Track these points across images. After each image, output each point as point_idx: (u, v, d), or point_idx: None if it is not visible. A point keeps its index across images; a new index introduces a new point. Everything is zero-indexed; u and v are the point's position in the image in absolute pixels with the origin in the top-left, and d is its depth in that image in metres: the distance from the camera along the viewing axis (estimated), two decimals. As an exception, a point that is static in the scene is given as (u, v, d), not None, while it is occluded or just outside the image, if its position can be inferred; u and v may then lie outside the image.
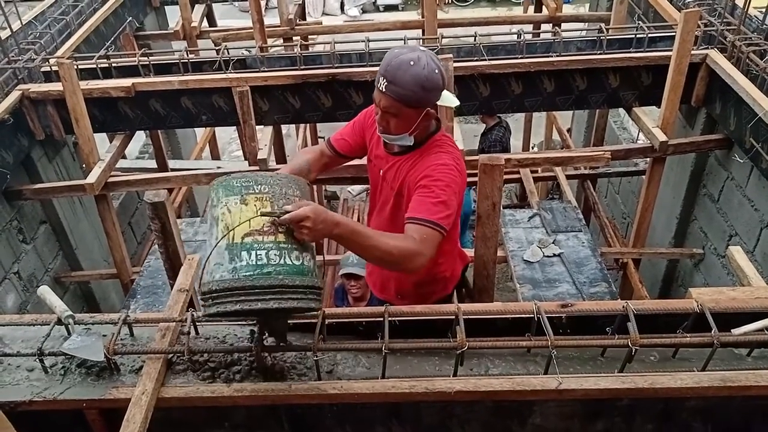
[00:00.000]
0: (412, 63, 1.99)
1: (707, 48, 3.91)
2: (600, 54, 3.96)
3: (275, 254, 1.67)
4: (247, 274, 1.63)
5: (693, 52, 3.72)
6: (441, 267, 2.54)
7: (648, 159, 4.13)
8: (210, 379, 1.91)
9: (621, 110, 5.87)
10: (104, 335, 2.00)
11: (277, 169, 3.72)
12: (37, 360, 1.90)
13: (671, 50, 3.70)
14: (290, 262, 1.68)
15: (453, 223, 2.21)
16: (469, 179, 5.15)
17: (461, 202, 2.27)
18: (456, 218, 2.28)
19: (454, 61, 3.56)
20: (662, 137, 3.79)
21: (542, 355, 1.91)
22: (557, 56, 3.96)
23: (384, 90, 2.03)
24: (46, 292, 2.10)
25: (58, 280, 4.35)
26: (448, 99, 2.22)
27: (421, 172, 2.18)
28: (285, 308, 1.66)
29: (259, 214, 1.67)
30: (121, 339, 2.01)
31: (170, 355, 1.95)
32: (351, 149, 2.52)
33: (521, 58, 3.96)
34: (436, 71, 2.04)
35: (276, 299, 1.63)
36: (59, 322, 1.99)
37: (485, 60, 3.94)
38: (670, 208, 4.57)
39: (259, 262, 1.64)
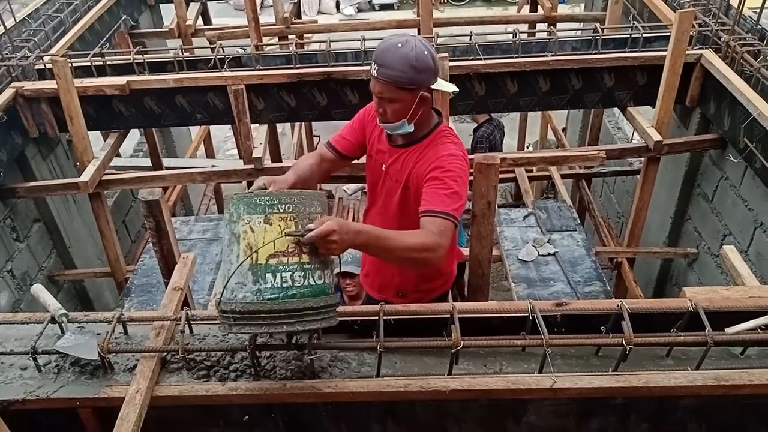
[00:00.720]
0: (400, 45, 2.05)
1: (702, 48, 3.92)
2: (595, 54, 3.97)
3: (299, 275, 1.68)
4: (273, 297, 1.64)
5: (688, 52, 3.74)
6: (444, 263, 2.55)
7: (642, 158, 4.14)
8: (205, 378, 1.90)
9: (616, 110, 5.88)
10: (98, 334, 2.00)
11: (274, 169, 3.71)
12: (31, 358, 1.89)
13: (666, 50, 3.71)
14: (314, 283, 1.70)
15: None
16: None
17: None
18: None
19: (450, 61, 3.56)
20: (657, 137, 3.80)
21: (537, 354, 1.91)
22: (552, 56, 3.97)
23: (376, 75, 2.08)
24: (39, 290, 2.09)
25: (52, 278, 4.33)
26: (445, 84, 2.23)
27: (431, 164, 2.18)
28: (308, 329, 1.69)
29: (283, 234, 1.67)
30: (116, 337, 2.01)
31: (165, 354, 1.94)
32: (353, 148, 2.51)
33: (517, 57, 3.96)
34: (425, 52, 2.07)
35: (300, 322, 1.66)
36: (53, 320, 1.98)
37: (481, 59, 3.94)
38: (664, 208, 4.58)
39: (284, 285, 1.66)
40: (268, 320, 1.64)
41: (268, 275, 1.65)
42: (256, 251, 1.65)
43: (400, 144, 2.32)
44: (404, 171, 2.31)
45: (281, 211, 1.69)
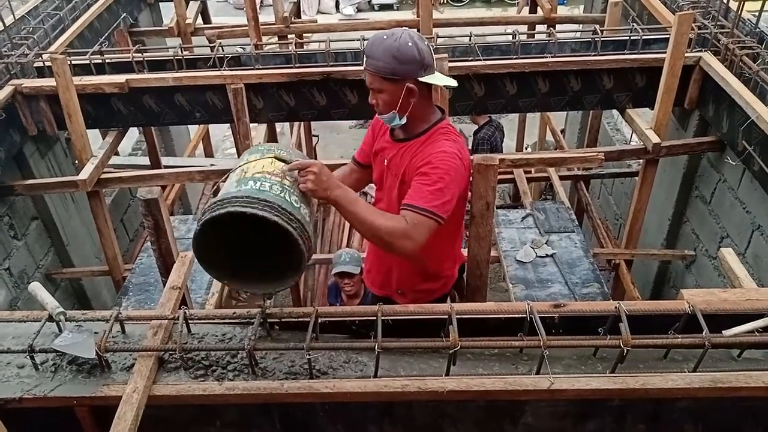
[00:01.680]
0: (385, 37, 2.12)
1: (701, 50, 3.93)
2: (594, 55, 3.98)
3: (278, 188, 1.82)
4: (247, 188, 1.78)
5: (687, 54, 3.74)
6: (444, 265, 2.55)
7: (641, 160, 4.15)
8: (202, 378, 1.90)
9: (614, 111, 5.89)
10: (96, 332, 1.99)
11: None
12: (28, 357, 1.89)
13: (665, 52, 3.72)
14: (287, 199, 1.81)
15: (455, 214, 2.25)
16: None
17: (464, 190, 2.28)
18: (458, 208, 2.29)
19: (449, 61, 3.56)
20: (655, 139, 3.80)
21: (534, 356, 1.91)
22: (552, 57, 3.97)
23: (365, 66, 2.17)
24: (37, 288, 2.09)
25: (50, 276, 4.33)
26: (443, 79, 2.25)
27: (423, 159, 2.21)
28: (269, 221, 1.74)
29: (273, 158, 1.90)
30: (113, 336, 2.00)
31: (162, 353, 1.94)
32: (369, 155, 2.57)
33: (516, 58, 3.97)
34: (410, 44, 2.11)
35: (265, 210, 1.73)
36: (50, 318, 1.98)
37: (480, 60, 3.95)
38: (662, 210, 4.59)
39: (261, 189, 1.79)
40: (236, 203, 1.73)
41: (250, 182, 1.81)
42: (246, 171, 1.86)
43: (401, 138, 2.34)
44: (402, 165, 2.33)
45: (277, 151, 1.95)
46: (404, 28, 2.22)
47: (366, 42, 2.22)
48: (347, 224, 6.46)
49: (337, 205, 2.03)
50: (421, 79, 2.15)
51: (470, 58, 4.00)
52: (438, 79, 2.21)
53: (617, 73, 3.97)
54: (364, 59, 2.18)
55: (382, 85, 2.16)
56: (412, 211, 2.10)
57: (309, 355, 1.83)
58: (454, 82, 2.30)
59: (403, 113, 2.21)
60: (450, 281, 2.66)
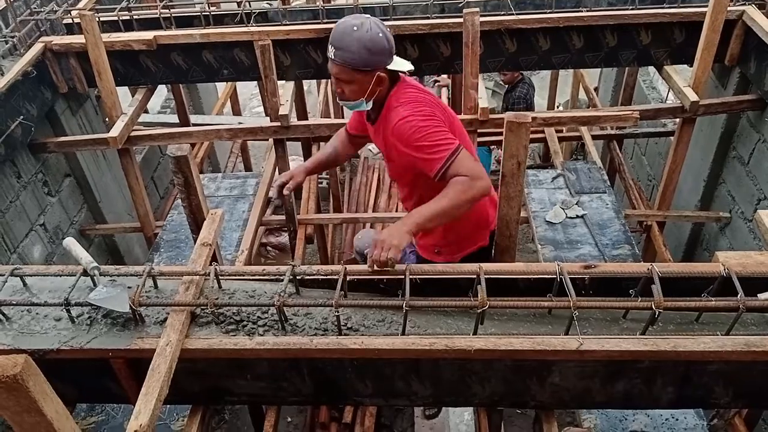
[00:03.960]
0: (355, 28, 2.09)
1: (744, 4, 3.76)
2: (632, 9, 3.83)
3: None
4: None
5: (729, 8, 3.58)
6: (478, 209, 2.58)
7: (677, 119, 4.03)
8: (233, 332, 1.93)
9: (651, 69, 5.71)
10: (129, 287, 2.04)
11: (300, 127, 3.72)
12: (64, 310, 1.94)
13: (706, 6, 3.56)
14: None
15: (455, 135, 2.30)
16: (495, 138, 5.07)
17: (444, 112, 2.35)
18: (455, 130, 2.36)
19: (481, 16, 3.47)
20: (693, 97, 3.68)
21: (563, 317, 1.90)
22: (587, 11, 3.84)
23: (333, 57, 2.15)
24: (71, 243, 2.13)
25: (83, 232, 4.42)
26: (401, 63, 2.28)
27: (390, 138, 2.28)
28: None
29: None
30: (146, 291, 2.04)
31: (194, 308, 1.97)
32: (359, 128, 2.66)
33: (550, 13, 3.84)
34: (380, 34, 2.12)
35: None
36: (85, 273, 2.02)
37: (512, 14, 3.84)
38: (697, 171, 4.48)
39: None
40: None
41: None
42: None
43: (372, 119, 2.41)
44: (381, 146, 2.43)
45: None
46: (366, 15, 2.19)
47: (331, 33, 2.17)
48: (374, 184, 6.45)
49: (421, 227, 2.15)
50: (388, 66, 2.21)
51: (502, 12, 3.89)
52: (401, 65, 2.26)
53: (655, 27, 3.82)
54: (331, 50, 2.15)
55: (352, 76, 2.17)
56: (446, 169, 2.15)
57: (338, 311, 1.85)
58: (411, 66, 2.33)
59: (370, 99, 2.25)
60: (487, 229, 2.66)
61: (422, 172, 2.28)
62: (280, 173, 3.87)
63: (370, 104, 2.30)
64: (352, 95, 2.23)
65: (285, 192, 2.56)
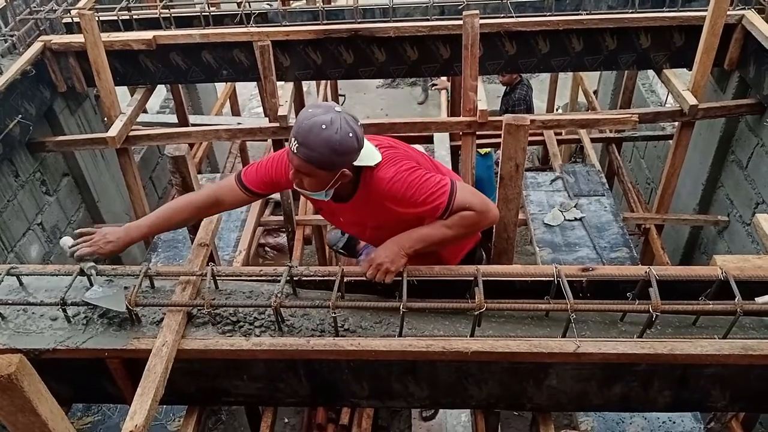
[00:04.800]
0: (324, 126, 1.89)
1: (744, 8, 3.76)
2: (631, 13, 3.84)
3: None
4: None
5: (729, 12, 3.58)
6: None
7: (676, 123, 4.03)
8: (230, 333, 1.93)
9: (650, 72, 5.71)
10: (126, 287, 2.03)
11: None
12: (60, 309, 1.93)
13: (706, 10, 3.56)
14: None
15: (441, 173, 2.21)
16: (493, 141, 5.07)
17: (415, 155, 2.24)
18: (438, 170, 2.29)
19: (480, 18, 3.47)
20: (692, 101, 3.68)
21: (561, 319, 1.90)
22: (587, 14, 3.84)
23: (295, 152, 1.93)
24: (68, 242, 2.12)
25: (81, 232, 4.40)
26: (369, 158, 2.09)
27: (383, 204, 2.12)
28: None
29: None
30: (143, 291, 2.04)
31: (191, 308, 1.97)
32: (270, 187, 2.33)
33: (549, 15, 3.84)
34: (350, 134, 1.93)
35: None
36: (81, 272, 2.02)
37: (512, 17, 3.84)
38: (696, 174, 4.48)
39: None
40: None
41: None
42: None
43: (346, 197, 2.20)
44: (365, 218, 2.26)
45: None
46: (337, 109, 1.97)
47: (297, 124, 1.93)
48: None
49: (417, 252, 2.06)
50: (354, 163, 2.03)
51: (502, 15, 3.89)
52: (369, 159, 2.07)
53: (655, 31, 3.82)
54: (295, 144, 1.92)
55: (314, 172, 1.97)
56: (450, 210, 2.05)
57: (334, 313, 1.85)
58: (379, 158, 2.11)
59: (330, 190, 2.07)
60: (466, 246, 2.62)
61: (394, 227, 2.18)
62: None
63: (330, 194, 2.10)
64: (311, 187, 2.05)
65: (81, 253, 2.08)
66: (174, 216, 2.23)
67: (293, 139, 1.93)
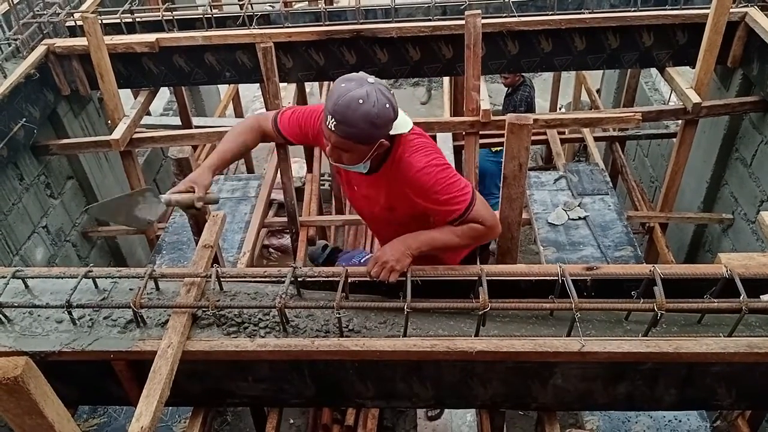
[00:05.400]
0: (361, 101, 1.89)
1: (746, 5, 3.75)
2: (634, 11, 3.83)
3: None
4: None
5: (732, 10, 3.58)
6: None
7: (680, 121, 4.02)
8: (234, 334, 1.93)
9: (653, 70, 5.70)
10: (131, 289, 2.04)
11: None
12: (66, 312, 1.94)
13: (708, 8, 3.56)
14: None
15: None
16: (496, 140, 5.07)
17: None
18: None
19: (483, 18, 3.47)
20: (696, 99, 3.67)
21: (565, 319, 1.90)
22: (589, 13, 3.84)
23: (333, 129, 1.94)
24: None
25: (86, 235, 4.42)
26: (402, 125, 2.09)
27: (404, 188, 2.13)
28: None
29: None
30: (148, 293, 2.04)
31: (196, 310, 1.97)
32: (300, 139, 2.42)
33: (552, 14, 3.84)
34: (387, 105, 1.94)
35: None
36: (86, 275, 2.02)
37: (514, 16, 3.84)
38: (700, 172, 4.47)
39: None
40: None
41: None
42: None
43: (370, 170, 2.20)
44: (380, 196, 2.26)
45: None
46: (370, 80, 1.96)
47: (332, 101, 1.92)
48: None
49: (422, 253, 2.07)
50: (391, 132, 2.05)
51: (504, 14, 3.89)
52: (404, 126, 2.09)
53: (657, 29, 3.82)
54: (332, 122, 1.92)
55: (353, 148, 1.99)
56: (465, 217, 2.09)
57: (339, 313, 1.85)
58: (411, 124, 2.15)
59: (368, 161, 2.09)
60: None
61: (405, 217, 2.23)
62: (282, 175, 3.86)
63: (368, 166, 2.13)
64: (350, 162, 2.07)
65: (198, 205, 2.19)
66: (229, 155, 2.34)
67: (330, 117, 1.93)
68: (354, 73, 1.99)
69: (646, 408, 2.30)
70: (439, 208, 2.10)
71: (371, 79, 1.96)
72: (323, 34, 3.82)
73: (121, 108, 3.93)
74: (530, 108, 5.39)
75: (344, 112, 1.89)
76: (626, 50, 3.93)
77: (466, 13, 3.44)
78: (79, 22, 3.86)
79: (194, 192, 2.16)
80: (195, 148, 5.49)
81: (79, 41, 3.84)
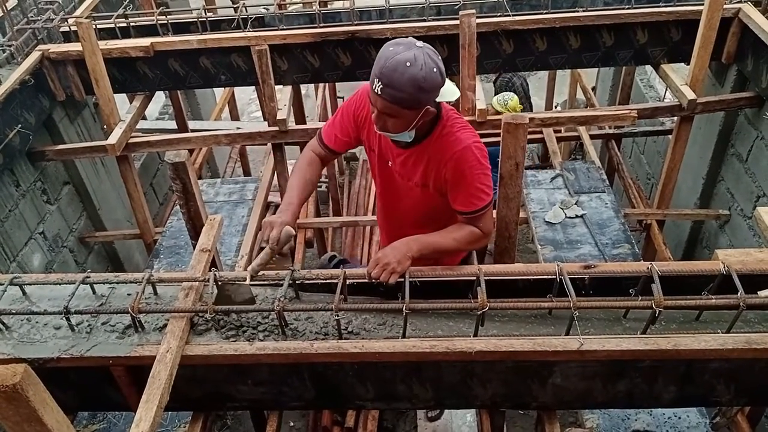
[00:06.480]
0: (408, 64, 1.87)
1: (740, 2, 3.76)
2: (628, 8, 3.83)
3: None
4: None
5: (725, 6, 3.58)
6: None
7: (675, 118, 4.03)
8: (233, 338, 1.93)
9: (648, 68, 5.71)
10: (129, 294, 2.03)
11: (298, 131, 3.67)
12: (64, 318, 1.93)
13: (702, 4, 3.56)
14: None
15: None
16: (492, 140, 5.08)
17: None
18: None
19: (477, 17, 3.47)
20: (691, 95, 3.68)
21: (564, 317, 1.90)
22: (583, 11, 3.84)
23: (380, 93, 1.93)
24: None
25: (83, 240, 4.41)
26: (448, 93, 2.09)
27: (446, 163, 2.14)
28: None
29: None
30: (146, 298, 2.04)
31: (194, 314, 1.97)
32: (348, 144, 2.42)
33: (546, 13, 3.84)
34: (434, 69, 1.93)
35: None
36: (84, 281, 2.02)
37: (509, 15, 3.84)
38: (696, 169, 4.48)
39: None
40: None
41: None
42: None
43: (409, 143, 2.21)
44: (416, 171, 2.24)
45: None
46: (418, 44, 1.95)
47: (379, 64, 1.91)
48: (372, 187, 6.45)
49: (422, 256, 2.08)
50: (437, 99, 2.05)
51: (498, 14, 3.89)
52: (451, 94, 2.09)
53: (652, 26, 3.82)
54: (378, 84, 1.91)
55: (400, 113, 1.98)
56: (473, 216, 2.16)
57: (338, 315, 1.85)
58: (458, 93, 2.19)
59: (413, 130, 2.10)
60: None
61: (435, 197, 2.24)
62: (278, 178, 3.86)
63: (413, 134, 2.12)
64: (396, 129, 2.05)
65: (286, 250, 2.27)
66: (305, 194, 2.33)
67: (377, 80, 1.92)
68: (402, 39, 1.98)
69: (646, 405, 2.31)
70: (458, 195, 2.13)
71: (419, 43, 1.96)
72: (318, 36, 3.82)
73: (117, 113, 3.92)
74: (527, 96, 5.44)
75: (391, 75, 1.88)
76: (621, 48, 3.93)
77: (461, 13, 3.44)
78: (74, 28, 3.85)
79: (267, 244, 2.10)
80: (191, 151, 5.48)
81: (74, 46, 3.83)
